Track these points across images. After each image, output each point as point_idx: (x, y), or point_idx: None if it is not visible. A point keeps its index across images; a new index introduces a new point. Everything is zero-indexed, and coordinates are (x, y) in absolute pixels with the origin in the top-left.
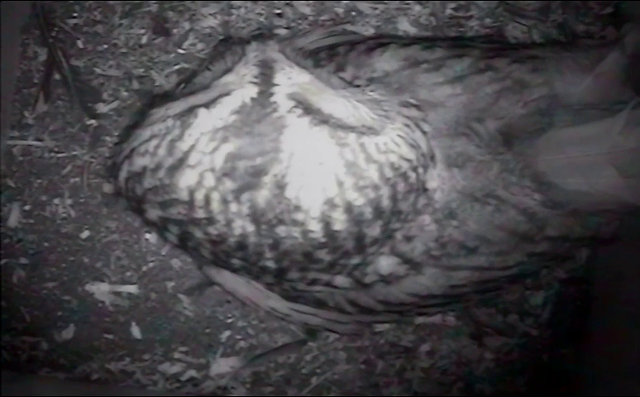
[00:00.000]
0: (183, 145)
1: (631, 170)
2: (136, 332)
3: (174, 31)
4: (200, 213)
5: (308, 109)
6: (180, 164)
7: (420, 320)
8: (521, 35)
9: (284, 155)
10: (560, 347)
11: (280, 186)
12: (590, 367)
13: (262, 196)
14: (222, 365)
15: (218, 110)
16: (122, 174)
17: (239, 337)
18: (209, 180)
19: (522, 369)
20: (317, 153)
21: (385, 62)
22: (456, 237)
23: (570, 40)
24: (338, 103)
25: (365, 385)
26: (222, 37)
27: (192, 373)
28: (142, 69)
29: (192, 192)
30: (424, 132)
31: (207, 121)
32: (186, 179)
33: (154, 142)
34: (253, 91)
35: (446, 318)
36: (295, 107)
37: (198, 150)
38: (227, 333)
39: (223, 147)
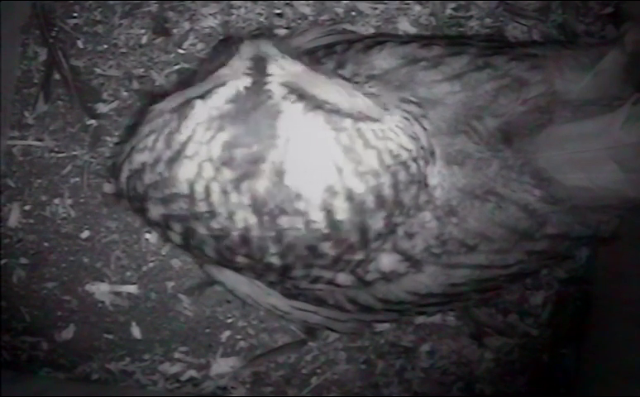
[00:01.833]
0: (180, 137)
1: (632, 165)
2: (136, 332)
3: (174, 31)
4: (201, 206)
5: (302, 96)
6: (178, 156)
7: (420, 320)
8: (521, 35)
9: (281, 141)
10: (560, 347)
11: (279, 173)
12: (590, 367)
13: (262, 185)
14: (222, 365)
15: (214, 100)
16: (123, 174)
17: (239, 337)
18: (208, 171)
19: (522, 369)
20: (314, 138)
21: (383, 60)
22: (456, 235)
23: (571, 39)
24: (332, 90)
25: (365, 385)
26: (222, 37)
27: (192, 373)
28: (142, 69)
29: (191, 184)
30: (424, 129)
31: (202, 111)
32: (185, 171)
33: (152, 137)
34: (247, 81)
35: (446, 318)
36: (289, 93)
37: (195, 141)
38: (227, 333)
39: (219, 136)
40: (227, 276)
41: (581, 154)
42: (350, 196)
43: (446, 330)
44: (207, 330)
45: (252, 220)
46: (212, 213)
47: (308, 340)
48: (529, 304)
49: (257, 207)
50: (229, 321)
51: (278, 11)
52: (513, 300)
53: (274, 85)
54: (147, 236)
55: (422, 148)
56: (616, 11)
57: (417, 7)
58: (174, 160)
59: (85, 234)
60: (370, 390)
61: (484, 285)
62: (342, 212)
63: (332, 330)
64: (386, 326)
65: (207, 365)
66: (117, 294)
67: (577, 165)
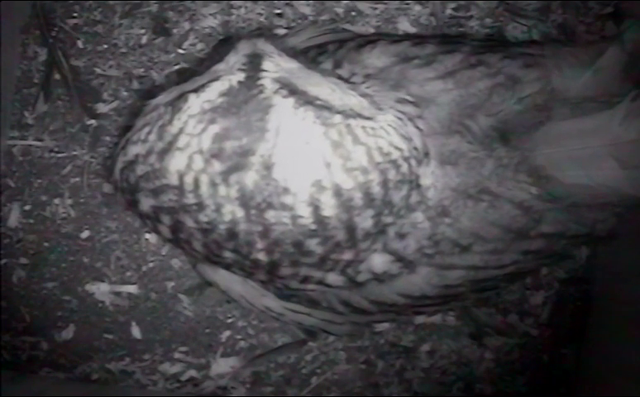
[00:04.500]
0: (172, 129)
1: (631, 162)
2: (136, 332)
3: (174, 31)
4: (190, 198)
5: (293, 91)
6: (170, 147)
7: (420, 320)
8: (521, 35)
9: (270, 135)
10: (560, 347)
11: (267, 166)
12: (590, 367)
13: (250, 178)
14: (222, 365)
15: (207, 93)
16: (118, 166)
17: (239, 337)
18: (198, 162)
19: (523, 369)
20: (303, 132)
21: (376, 58)
22: (450, 235)
23: (570, 39)
24: (324, 87)
25: (365, 385)
26: (221, 37)
27: (192, 373)
28: (142, 69)
29: (181, 176)
30: (419, 129)
31: (196, 104)
32: (176, 163)
33: (146, 129)
34: (241, 76)
35: (446, 318)
36: (281, 88)
37: (187, 133)
38: (227, 333)
39: (210, 128)
40: (221, 276)
41: (580, 151)
42: (337, 192)
43: (446, 330)
44: (207, 330)
45: (239, 213)
46: (200, 206)
47: (308, 340)
48: (529, 304)
49: (245, 200)
50: (229, 321)
51: (278, 11)
52: (513, 300)
53: (267, 80)
54: (147, 236)
55: (415, 148)
56: (616, 10)
57: (417, 7)
58: (165, 151)
59: (85, 234)
60: (370, 390)
61: (480, 286)
62: (329, 208)
63: (328, 332)
64: (386, 326)
65: (207, 365)
66: (117, 294)
67: (576, 163)
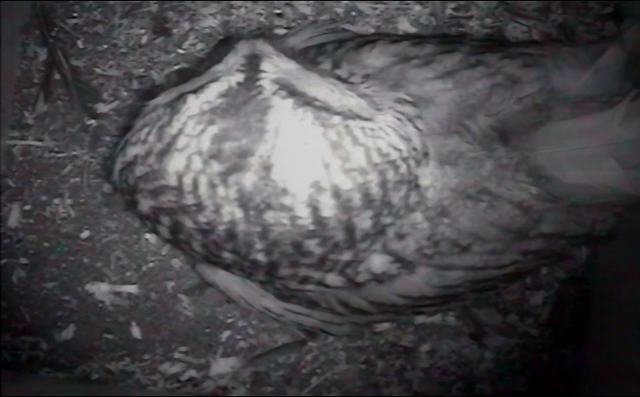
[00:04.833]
0: (171, 130)
1: (631, 162)
2: (136, 332)
3: (174, 31)
4: (189, 199)
5: (292, 92)
6: (169, 148)
7: (420, 320)
8: (521, 35)
9: (269, 136)
10: (560, 347)
11: (266, 167)
12: (590, 367)
13: (249, 179)
14: (222, 365)
15: (206, 94)
16: (117, 167)
17: (239, 337)
18: (197, 163)
19: (523, 369)
20: (302, 133)
21: (375, 58)
22: (449, 235)
23: (570, 39)
24: (324, 89)
25: (365, 385)
26: (221, 37)
27: (192, 373)
28: (142, 69)
29: (180, 176)
30: (418, 129)
31: (195, 105)
32: (175, 164)
33: (145, 130)
34: (240, 77)
35: (446, 318)
36: (280, 89)
37: (186, 134)
38: (227, 333)
39: (209, 129)
40: (221, 277)
41: (580, 151)
42: (336, 193)
43: (446, 330)
44: (207, 330)
45: (238, 214)
46: (199, 206)
47: (308, 340)
48: (529, 304)
49: (243, 201)
50: (229, 321)
51: (278, 11)
52: (513, 300)
53: (266, 81)
54: (147, 236)
55: (414, 149)
56: (616, 10)
57: (417, 7)
58: (164, 152)
59: (85, 234)
60: (370, 390)
61: (480, 286)
62: (328, 208)
63: (328, 333)
64: (386, 326)
65: (207, 365)
66: (117, 294)
67: (576, 162)
